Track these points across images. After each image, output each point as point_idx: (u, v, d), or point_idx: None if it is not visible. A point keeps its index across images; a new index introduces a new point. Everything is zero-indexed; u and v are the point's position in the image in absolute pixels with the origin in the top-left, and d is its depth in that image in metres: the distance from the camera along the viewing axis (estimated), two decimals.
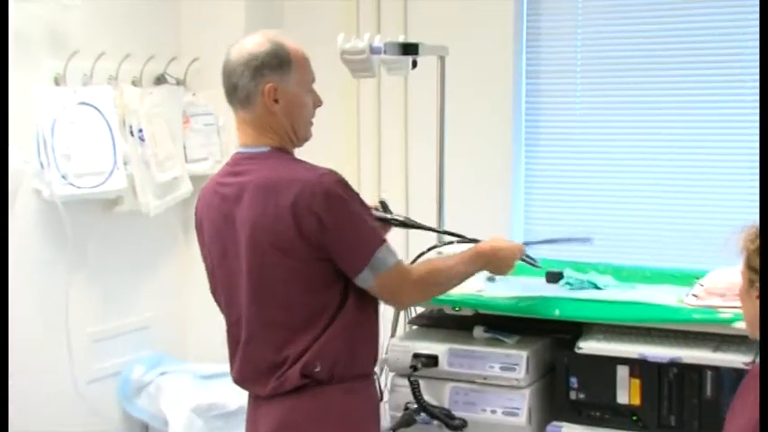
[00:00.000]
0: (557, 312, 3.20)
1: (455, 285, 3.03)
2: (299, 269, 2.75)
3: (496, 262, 3.08)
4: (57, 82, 3.86)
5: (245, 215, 2.76)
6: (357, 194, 2.86)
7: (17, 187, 3.49)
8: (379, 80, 4.40)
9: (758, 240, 2.48)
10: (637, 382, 3.10)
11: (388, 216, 3.17)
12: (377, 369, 3.01)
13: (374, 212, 3.05)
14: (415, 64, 3.70)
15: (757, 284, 2.45)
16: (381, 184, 4.57)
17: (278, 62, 2.84)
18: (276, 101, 2.84)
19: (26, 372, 3.78)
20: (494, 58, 4.44)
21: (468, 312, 3.30)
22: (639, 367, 3.08)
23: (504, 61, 4.44)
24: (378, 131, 4.61)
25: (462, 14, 4.41)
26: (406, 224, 3.23)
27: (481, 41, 4.39)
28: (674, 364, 3.04)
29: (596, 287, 3.40)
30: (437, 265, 3.04)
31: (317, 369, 2.84)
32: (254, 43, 2.82)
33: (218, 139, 4.45)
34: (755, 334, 2.53)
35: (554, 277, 3.47)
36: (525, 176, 4.56)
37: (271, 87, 2.82)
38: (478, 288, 3.36)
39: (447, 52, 3.81)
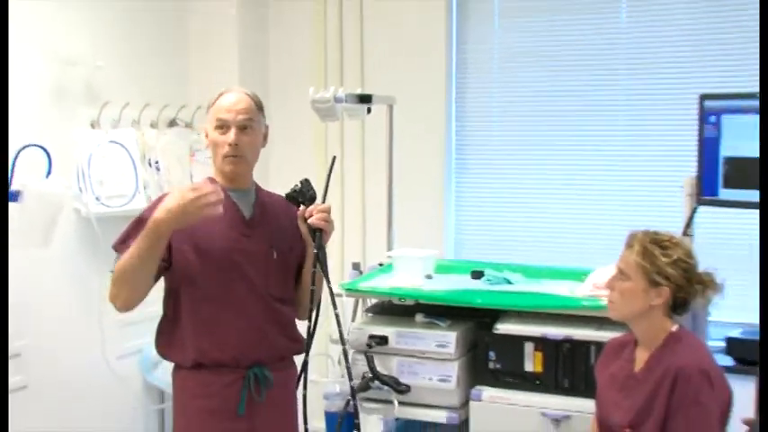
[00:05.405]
0: (479, 301, 3.22)
1: (135, 266, 2.52)
2: None
3: (169, 216, 2.46)
4: (92, 126, 3.85)
5: None
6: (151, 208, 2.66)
7: (60, 207, 3.40)
8: (342, 123, 4.36)
9: (658, 248, 2.49)
10: (539, 354, 3.13)
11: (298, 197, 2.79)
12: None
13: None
14: (369, 110, 3.67)
15: (662, 287, 2.46)
16: (344, 204, 4.53)
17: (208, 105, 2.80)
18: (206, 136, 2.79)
19: (68, 352, 3.77)
20: (431, 105, 4.42)
21: (410, 302, 3.30)
22: (542, 343, 3.12)
23: (439, 108, 4.43)
24: (341, 163, 4.52)
25: (406, 73, 4.39)
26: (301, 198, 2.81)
27: (421, 93, 4.37)
28: (567, 340, 3.08)
29: (509, 282, 3.42)
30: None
31: None
32: None
33: None
34: (624, 318, 2.58)
35: (477, 275, 3.49)
36: (456, 197, 4.55)
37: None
38: (419, 284, 3.35)
39: (394, 101, 3.83)
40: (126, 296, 2.59)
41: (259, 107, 2.80)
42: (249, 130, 2.73)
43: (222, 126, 2.71)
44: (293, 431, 2.88)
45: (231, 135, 2.70)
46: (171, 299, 2.75)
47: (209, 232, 2.68)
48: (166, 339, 2.79)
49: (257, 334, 2.74)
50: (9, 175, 3.25)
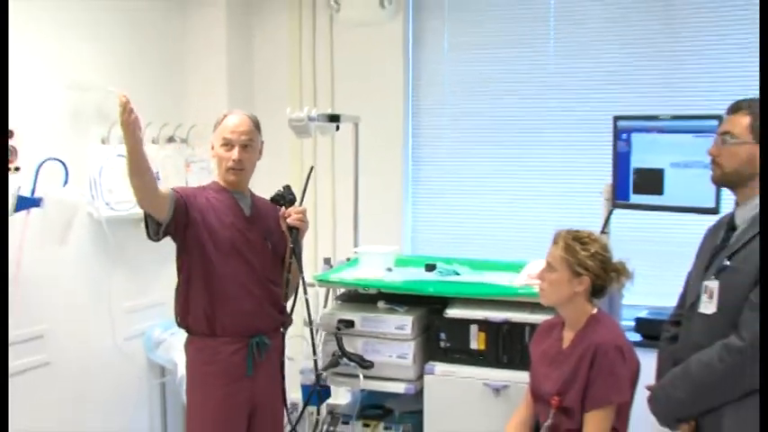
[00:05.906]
0: (432, 290, 3.24)
1: (134, 162, 2.56)
2: None
3: (125, 136, 2.55)
4: (103, 142, 3.83)
5: None
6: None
7: (76, 211, 3.45)
8: (315, 139, 4.33)
9: (579, 244, 2.52)
10: (483, 334, 3.15)
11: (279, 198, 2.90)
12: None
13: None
14: (338, 128, 3.70)
15: (583, 276, 2.50)
16: (317, 207, 4.49)
17: (215, 123, 2.91)
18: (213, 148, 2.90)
19: (83, 334, 3.77)
20: (391, 123, 4.41)
21: (373, 291, 3.33)
22: (485, 325, 3.14)
23: (398, 125, 4.43)
24: (315, 172, 4.31)
25: (370, 96, 4.37)
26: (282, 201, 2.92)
27: (382, 113, 4.36)
28: (506, 322, 3.11)
29: (457, 274, 3.45)
30: None
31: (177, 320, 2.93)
32: None
33: (209, 178, 4.23)
34: (553, 303, 2.64)
35: (430, 268, 3.52)
36: (412, 201, 4.54)
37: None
38: (381, 276, 3.38)
39: (359, 120, 3.85)
40: (135, 190, 2.63)
41: (257, 127, 2.94)
42: (249, 147, 2.88)
43: (227, 144, 2.86)
44: (282, 383, 3.01)
45: (235, 153, 2.85)
46: (187, 280, 2.85)
47: (219, 224, 2.83)
48: (183, 309, 2.88)
49: (258, 309, 2.88)
50: (33, 184, 3.28)
